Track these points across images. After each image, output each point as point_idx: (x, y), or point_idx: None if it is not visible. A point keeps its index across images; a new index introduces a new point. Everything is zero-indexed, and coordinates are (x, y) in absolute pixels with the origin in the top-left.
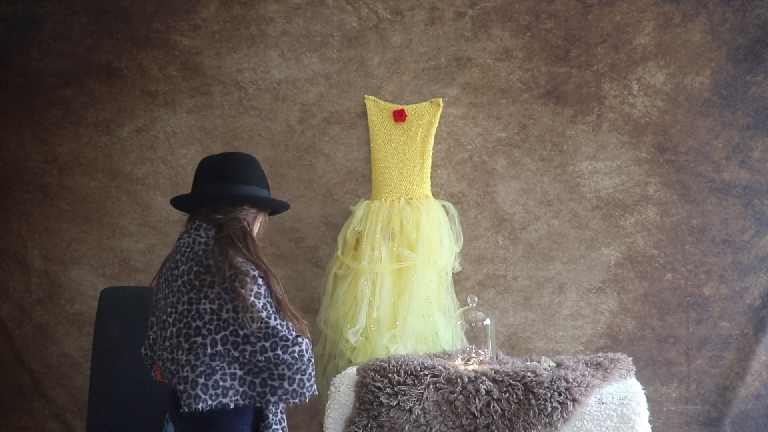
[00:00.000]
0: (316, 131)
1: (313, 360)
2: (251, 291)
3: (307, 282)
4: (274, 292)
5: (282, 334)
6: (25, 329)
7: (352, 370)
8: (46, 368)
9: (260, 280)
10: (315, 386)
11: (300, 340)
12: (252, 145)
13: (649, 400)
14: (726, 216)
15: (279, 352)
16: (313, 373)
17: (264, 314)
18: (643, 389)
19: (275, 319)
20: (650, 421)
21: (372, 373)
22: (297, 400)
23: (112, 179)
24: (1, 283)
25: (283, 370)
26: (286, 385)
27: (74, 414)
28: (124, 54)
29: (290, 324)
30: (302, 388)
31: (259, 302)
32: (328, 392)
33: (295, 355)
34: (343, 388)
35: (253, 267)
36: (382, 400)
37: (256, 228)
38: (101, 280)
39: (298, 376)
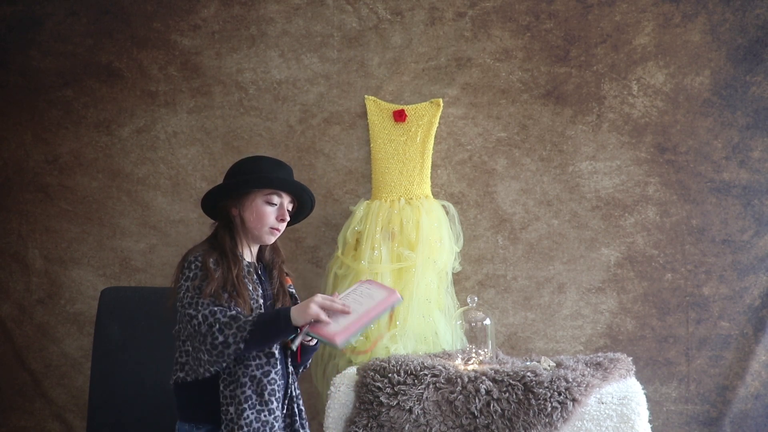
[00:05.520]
0: (317, 131)
1: (215, 326)
2: (182, 274)
3: (307, 282)
4: (230, 273)
5: (184, 311)
6: (25, 329)
7: (352, 370)
8: (46, 368)
9: (194, 264)
10: (231, 348)
11: (197, 313)
12: (252, 146)
13: (648, 400)
14: (726, 216)
15: (188, 326)
16: (219, 339)
17: (181, 294)
18: (642, 389)
19: (186, 298)
20: (650, 421)
21: (372, 373)
22: (215, 368)
23: (112, 179)
24: (2, 283)
25: (195, 343)
26: (200, 355)
27: (74, 414)
28: (125, 54)
29: (218, 302)
30: (212, 356)
31: (185, 284)
32: (328, 392)
33: (195, 326)
34: (343, 388)
35: (198, 254)
36: (382, 400)
37: (249, 213)
38: (101, 280)
39: (203, 347)
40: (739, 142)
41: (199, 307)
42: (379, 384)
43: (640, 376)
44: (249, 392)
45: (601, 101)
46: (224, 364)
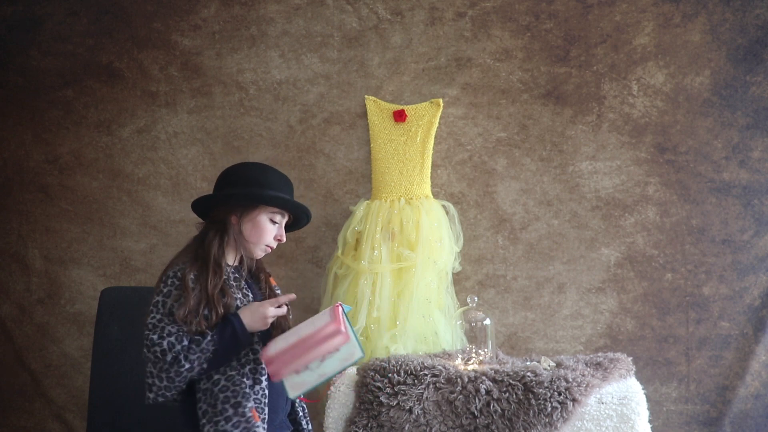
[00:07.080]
0: (317, 131)
1: (181, 354)
2: (158, 291)
3: (308, 282)
4: (207, 289)
5: (147, 333)
6: (25, 329)
7: (352, 370)
8: (46, 368)
9: (171, 281)
10: (195, 371)
11: (161, 340)
12: (253, 146)
13: (648, 399)
14: (726, 216)
15: (145, 350)
16: (185, 366)
17: (150, 307)
18: (642, 389)
19: (154, 318)
20: (650, 421)
21: (372, 373)
22: (171, 394)
23: (113, 179)
24: (2, 283)
25: (150, 367)
26: (156, 381)
27: (74, 414)
28: (125, 54)
29: (185, 327)
30: (172, 383)
31: (156, 298)
32: (328, 392)
33: (158, 354)
34: (343, 388)
35: (179, 268)
36: (382, 400)
37: (250, 225)
38: (101, 280)
39: (164, 374)
40: (739, 142)
41: (164, 334)
42: (379, 384)
43: (640, 376)
44: (222, 406)
45: (601, 101)
46: (181, 389)
